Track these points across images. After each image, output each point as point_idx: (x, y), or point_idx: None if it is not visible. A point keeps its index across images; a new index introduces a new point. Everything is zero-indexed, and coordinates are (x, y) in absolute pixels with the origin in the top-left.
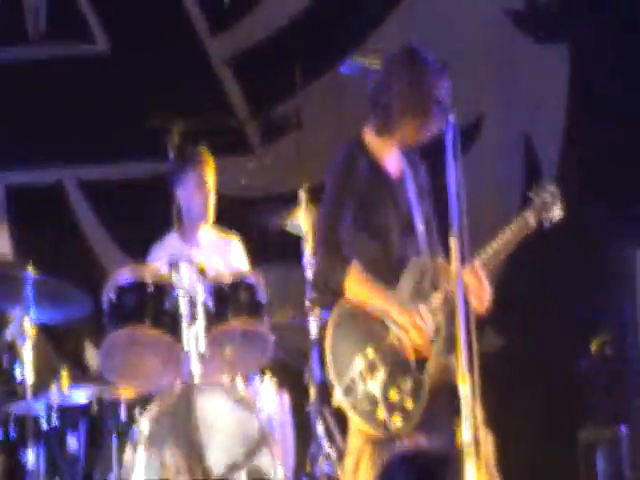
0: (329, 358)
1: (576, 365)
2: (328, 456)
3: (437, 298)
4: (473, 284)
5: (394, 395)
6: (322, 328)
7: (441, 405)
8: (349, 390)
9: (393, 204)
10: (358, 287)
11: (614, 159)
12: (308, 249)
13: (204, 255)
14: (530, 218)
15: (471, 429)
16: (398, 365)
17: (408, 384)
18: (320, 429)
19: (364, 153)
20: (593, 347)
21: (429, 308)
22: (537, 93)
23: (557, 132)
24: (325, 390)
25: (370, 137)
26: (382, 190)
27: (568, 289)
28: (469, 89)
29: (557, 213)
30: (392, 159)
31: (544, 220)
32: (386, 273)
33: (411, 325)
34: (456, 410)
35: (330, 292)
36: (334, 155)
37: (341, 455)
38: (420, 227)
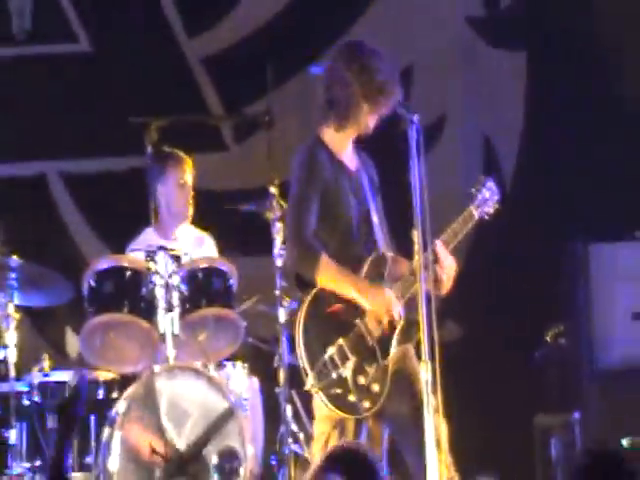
0: (301, 346)
1: (532, 355)
2: (296, 437)
3: (396, 289)
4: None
5: (362, 380)
6: (291, 315)
7: (402, 388)
8: (321, 375)
9: (354, 196)
10: (329, 275)
11: (568, 158)
12: (278, 241)
13: (180, 246)
14: (474, 211)
15: (431, 414)
16: (365, 353)
17: (374, 369)
18: (289, 411)
19: (324, 149)
20: (548, 337)
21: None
22: (497, 95)
23: (515, 133)
24: (294, 374)
25: (328, 135)
26: (343, 183)
27: (525, 282)
28: (431, 90)
29: (494, 208)
30: (349, 154)
31: (483, 214)
32: (347, 264)
33: (384, 302)
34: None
35: (301, 283)
36: (296, 154)
37: (308, 435)
38: (375, 219)
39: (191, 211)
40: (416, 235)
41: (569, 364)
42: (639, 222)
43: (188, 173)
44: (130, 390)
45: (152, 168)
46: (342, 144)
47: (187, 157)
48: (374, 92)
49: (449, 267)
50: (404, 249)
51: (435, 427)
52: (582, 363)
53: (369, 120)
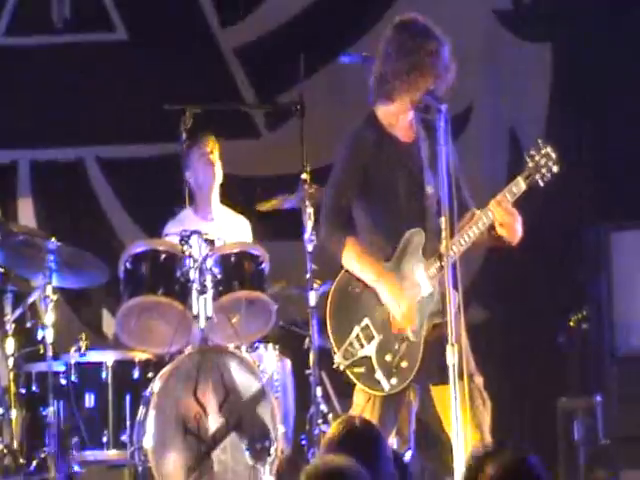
0: (329, 326)
1: (555, 338)
2: (326, 417)
3: (430, 264)
4: (501, 215)
5: (389, 357)
6: (321, 298)
7: (436, 358)
8: (347, 354)
9: (402, 168)
10: (351, 259)
11: (591, 147)
12: (309, 226)
13: (215, 229)
14: (521, 183)
15: (459, 394)
16: (389, 333)
17: (403, 347)
18: (319, 392)
19: (373, 125)
20: (571, 322)
21: (427, 273)
22: (522, 87)
23: (540, 124)
24: (323, 356)
25: (380, 109)
26: (389, 155)
27: (549, 267)
28: (458, 82)
29: (552, 171)
30: (403, 127)
31: (539, 180)
32: (390, 236)
33: (397, 305)
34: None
35: (328, 259)
36: (345, 134)
37: (337, 416)
38: (429, 190)
39: (217, 186)
40: (444, 222)
41: (591, 348)
42: None
43: (215, 151)
44: (165, 370)
45: (184, 151)
46: (394, 118)
47: (215, 138)
48: (416, 66)
49: (514, 227)
50: None
51: (479, 406)
52: (604, 347)
53: (412, 93)
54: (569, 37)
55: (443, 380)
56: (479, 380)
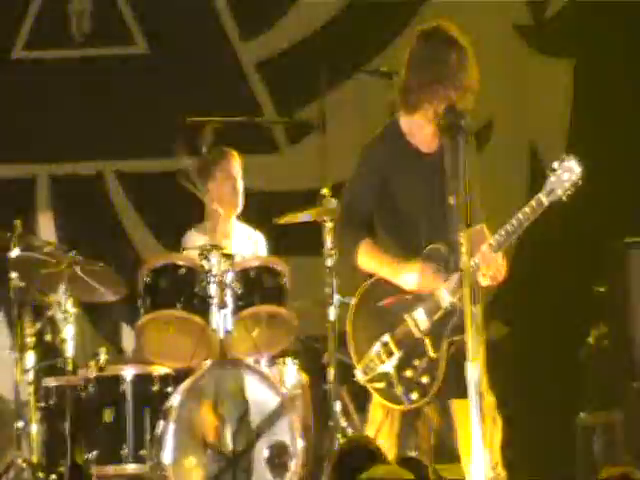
0: (350, 342)
1: (576, 354)
2: (345, 432)
3: (454, 279)
4: (486, 265)
5: (409, 373)
6: (341, 312)
7: (455, 374)
8: (368, 369)
9: (423, 179)
10: (368, 258)
11: (612, 161)
12: (328, 241)
13: (233, 244)
14: (543, 199)
15: (478, 411)
16: (413, 347)
17: (423, 362)
18: (337, 407)
19: (395, 133)
20: (591, 338)
21: (448, 288)
22: (543, 103)
23: (561, 139)
24: (343, 371)
25: (403, 120)
26: (410, 166)
27: (570, 282)
28: (480, 96)
29: (576, 185)
30: (426, 137)
31: (562, 195)
32: (411, 249)
33: (424, 277)
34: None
35: (345, 266)
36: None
37: (356, 430)
38: (451, 201)
39: (240, 204)
40: (463, 237)
41: (611, 364)
42: None
43: (236, 166)
44: (184, 384)
45: (204, 166)
46: (417, 128)
47: (234, 152)
48: (440, 77)
49: (495, 276)
50: None
51: (489, 425)
52: (624, 363)
53: (436, 104)
54: (590, 52)
55: (462, 395)
56: (490, 399)
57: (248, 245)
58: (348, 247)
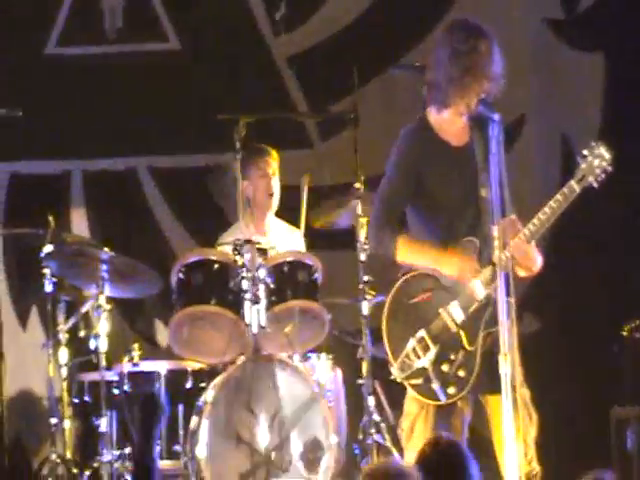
0: (385, 338)
1: (609, 348)
2: (378, 427)
3: (488, 272)
4: (520, 256)
5: (446, 367)
6: (375, 309)
7: (489, 367)
8: (404, 366)
9: (456, 174)
10: (407, 251)
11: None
12: (362, 235)
13: (270, 240)
14: (575, 186)
15: (512, 405)
16: (449, 341)
17: (460, 356)
18: (371, 402)
19: (425, 129)
20: (625, 332)
21: (482, 280)
22: (574, 97)
23: (593, 132)
24: (376, 365)
25: (432, 115)
26: (442, 161)
27: (603, 276)
28: (512, 90)
29: (606, 171)
30: (456, 132)
31: (592, 181)
32: (445, 243)
33: (462, 268)
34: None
35: (381, 262)
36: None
37: (390, 426)
38: (484, 193)
39: (274, 205)
40: (496, 231)
41: None
42: None
43: (273, 165)
44: (218, 380)
45: (240, 163)
46: (447, 123)
47: (272, 149)
48: (469, 72)
49: (529, 267)
50: None
51: (524, 419)
52: None
53: (467, 99)
54: (622, 46)
55: (495, 389)
56: (525, 393)
57: (286, 242)
58: (386, 243)
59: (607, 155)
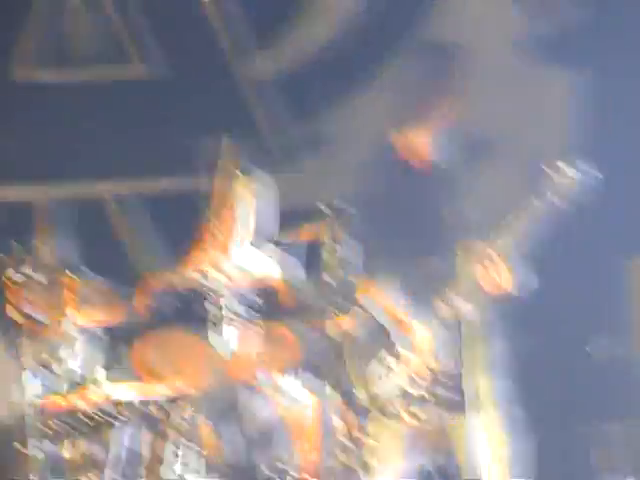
0: (349, 361)
1: (577, 365)
2: (345, 447)
3: (457, 293)
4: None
5: (416, 390)
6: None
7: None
8: (372, 390)
9: (423, 195)
10: (370, 301)
11: (619, 174)
12: (329, 260)
13: (240, 263)
14: (544, 203)
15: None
16: (418, 365)
17: (429, 380)
18: (338, 423)
19: (392, 150)
20: (589, 349)
21: (452, 302)
22: (548, 116)
23: (566, 153)
24: (343, 386)
25: (399, 138)
26: (408, 186)
27: (568, 294)
28: (483, 109)
29: (574, 193)
30: (425, 152)
31: (560, 202)
32: (414, 265)
33: (413, 351)
34: None
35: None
36: (362, 166)
37: (357, 446)
38: (452, 216)
39: (250, 234)
40: (461, 250)
41: (610, 375)
42: None
43: (250, 183)
44: (188, 404)
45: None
46: (414, 143)
47: (249, 168)
48: (436, 93)
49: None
50: None
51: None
52: (623, 374)
53: (435, 120)
54: (597, 65)
55: (466, 410)
56: (497, 413)
57: (256, 264)
58: (355, 284)
59: (577, 173)
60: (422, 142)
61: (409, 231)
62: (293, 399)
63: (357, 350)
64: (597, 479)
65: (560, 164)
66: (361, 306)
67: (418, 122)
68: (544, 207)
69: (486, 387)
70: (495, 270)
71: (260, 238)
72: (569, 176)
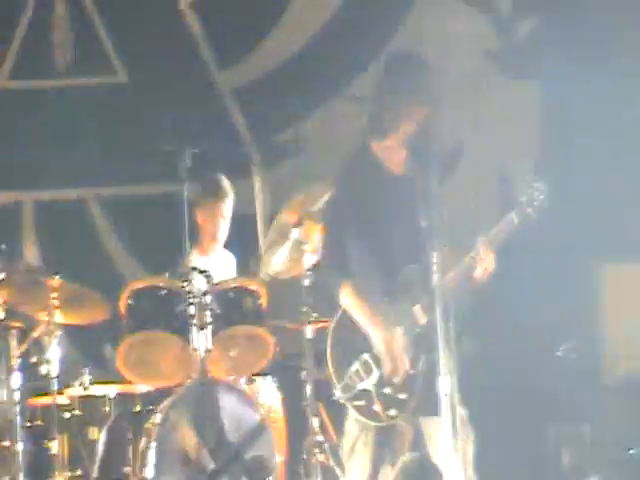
0: (329, 361)
1: (545, 367)
2: (322, 447)
3: (428, 299)
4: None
5: (388, 390)
6: (318, 332)
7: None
8: (347, 388)
9: (396, 202)
10: (349, 301)
11: (583, 182)
12: (306, 262)
13: (215, 266)
14: (514, 217)
15: (451, 425)
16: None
17: (401, 379)
18: (315, 423)
19: (366, 158)
20: (560, 352)
21: (422, 309)
22: (512, 125)
23: (529, 162)
24: (320, 387)
25: (374, 144)
26: (383, 190)
27: (538, 299)
28: (449, 119)
29: (543, 206)
30: (397, 160)
31: (531, 214)
32: (387, 272)
33: (387, 352)
34: None
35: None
36: (339, 172)
37: (333, 445)
38: (423, 224)
39: (222, 239)
40: (435, 256)
41: (580, 378)
42: None
43: (228, 206)
44: (166, 402)
45: (195, 193)
46: (388, 152)
47: (231, 186)
48: (410, 101)
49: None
50: None
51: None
52: (592, 377)
53: (403, 127)
54: (558, 75)
55: (435, 411)
56: (463, 413)
57: (225, 266)
58: (332, 286)
59: (544, 189)
60: (395, 150)
61: (384, 235)
62: (269, 399)
63: (336, 351)
64: (567, 478)
65: (528, 176)
66: (340, 308)
67: (390, 132)
68: (517, 217)
69: (454, 388)
70: (481, 261)
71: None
72: (537, 187)
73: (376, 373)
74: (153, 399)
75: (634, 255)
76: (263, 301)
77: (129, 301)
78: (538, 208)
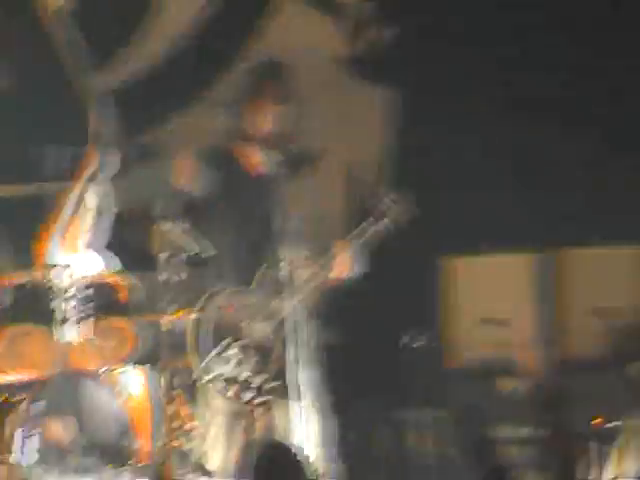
0: (191, 346)
1: (396, 354)
2: (183, 430)
3: (287, 292)
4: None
5: (245, 374)
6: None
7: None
8: (206, 371)
9: (254, 201)
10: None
11: (431, 181)
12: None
13: (79, 263)
14: (369, 226)
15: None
16: (249, 351)
17: (259, 364)
18: (172, 408)
19: (225, 159)
20: (405, 339)
21: (282, 302)
22: (364, 131)
23: (381, 167)
24: (181, 375)
25: (235, 147)
26: (242, 189)
27: (392, 291)
28: (303, 124)
29: (399, 215)
30: (256, 161)
31: (387, 223)
32: (248, 267)
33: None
34: None
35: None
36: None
37: (192, 429)
38: (282, 223)
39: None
40: (293, 256)
41: (426, 364)
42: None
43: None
44: (31, 392)
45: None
46: (249, 153)
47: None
48: (262, 104)
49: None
50: None
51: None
52: (437, 364)
53: (265, 131)
54: (413, 82)
55: (287, 396)
56: (317, 399)
57: (90, 263)
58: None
59: (398, 199)
60: (253, 152)
61: (242, 235)
62: (130, 389)
63: (196, 338)
64: (410, 462)
65: (382, 184)
66: (205, 302)
67: (248, 135)
68: (372, 225)
69: (305, 376)
70: (337, 265)
71: (97, 241)
72: (389, 198)
73: (234, 359)
74: (20, 388)
75: (479, 250)
76: (123, 294)
77: None
78: (393, 218)
